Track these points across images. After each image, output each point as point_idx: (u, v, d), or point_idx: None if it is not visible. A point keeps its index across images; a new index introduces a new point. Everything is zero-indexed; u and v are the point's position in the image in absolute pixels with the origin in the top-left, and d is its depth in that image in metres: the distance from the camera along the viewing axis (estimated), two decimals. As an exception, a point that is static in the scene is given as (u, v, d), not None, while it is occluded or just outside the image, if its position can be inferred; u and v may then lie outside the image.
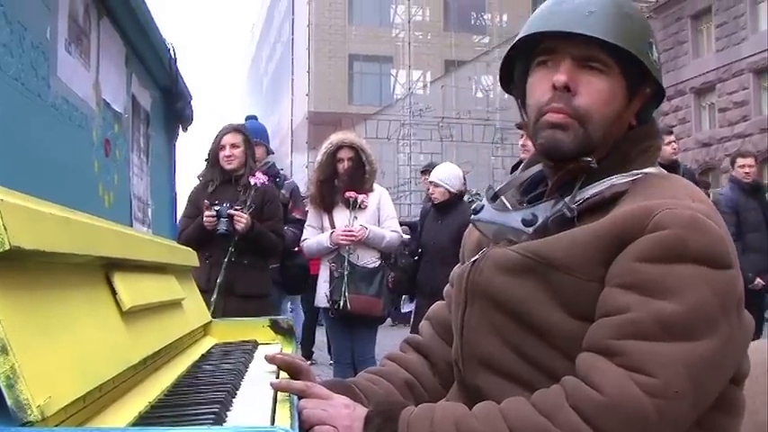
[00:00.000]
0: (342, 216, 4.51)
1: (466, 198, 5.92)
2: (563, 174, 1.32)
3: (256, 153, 4.49)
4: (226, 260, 3.98)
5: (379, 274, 4.49)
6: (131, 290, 1.23)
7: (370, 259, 4.51)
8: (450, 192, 5.21)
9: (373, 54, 27.55)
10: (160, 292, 1.51)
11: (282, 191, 4.84)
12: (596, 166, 1.27)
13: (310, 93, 26.10)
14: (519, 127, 4.62)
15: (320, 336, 8.16)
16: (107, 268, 1.18)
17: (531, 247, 1.24)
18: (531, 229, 1.27)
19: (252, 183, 4.09)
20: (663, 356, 1.08)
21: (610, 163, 1.29)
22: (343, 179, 4.52)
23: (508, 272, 1.26)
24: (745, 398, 1.25)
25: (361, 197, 4.48)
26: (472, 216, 1.40)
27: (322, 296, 4.53)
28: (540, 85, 1.30)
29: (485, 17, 28.12)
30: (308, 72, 26.21)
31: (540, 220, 1.26)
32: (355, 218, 4.47)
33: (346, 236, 4.42)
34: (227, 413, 1.08)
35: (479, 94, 25.82)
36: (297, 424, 1.11)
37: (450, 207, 5.21)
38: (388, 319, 7.88)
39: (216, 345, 1.89)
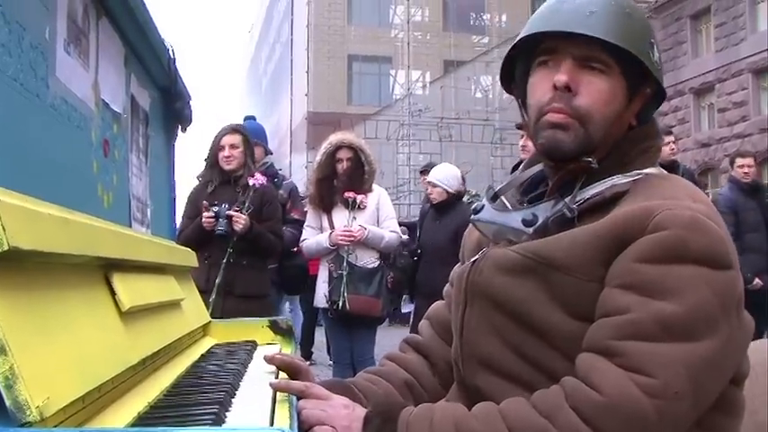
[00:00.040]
0: (341, 216, 4.51)
1: (465, 199, 5.92)
2: (563, 174, 1.32)
3: (255, 153, 4.49)
4: (224, 261, 3.98)
5: (378, 274, 4.49)
6: (130, 290, 1.23)
7: (369, 259, 4.51)
8: (447, 192, 5.22)
9: (372, 54, 27.54)
10: (159, 292, 1.51)
11: (281, 191, 4.84)
12: (597, 166, 1.27)
13: (309, 93, 26.09)
14: (519, 127, 4.62)
15: (319, 336, 8.17)
16: (106, 269, 1.18)
17: (531, 247, 1.24)
18: (531, 230, 1.26)
19: (250, 184, 4.09)
20: (663, 357, 1.08)
21: (610, 163, 1.29)
22: (343, 179, 4.52)
23: (508, 272, 1.26)
24: (745, 398, 1.25)
25: (360, 197, 4.48)
26: (472, 216, 1.40)
27: (321, 296, 4.52)
28: (541, 85, 1.30)
29: (484, 17, 28.12)
30: (308, 72, 26.19)
31: (540, 221, 1.26)
32: (354, 218, 4.47)
33: (345, 236, 4.42)
34: (227, 413, 1.08)
35: (478, 95, 25.83)
36: (296, 424, 1.11)
37: (449, 207, 5.22)
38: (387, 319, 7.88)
39: (215, 345, 1.89)
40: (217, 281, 3.94)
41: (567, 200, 1.25)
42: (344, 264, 4.41)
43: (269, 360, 1.41)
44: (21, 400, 0.73)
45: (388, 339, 5.33)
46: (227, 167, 4.14)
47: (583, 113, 1.26)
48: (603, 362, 1.10)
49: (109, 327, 1.11)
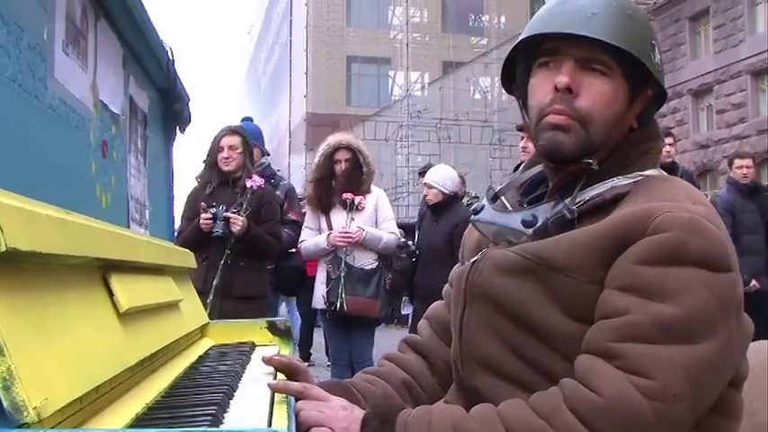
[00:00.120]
0: (339, 217, 4.51)
1: (465, 200, 5.92)
2: (564, 175, 1.32)
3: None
4: (222, 262, 3.98)
5: (376, 275, 4.50)
6: (128, 291, 1.23)
7: (367, 261, 4.51)
8: (443, 193, 5.24)
9: (371, 55, 27.56)
10: (157, 293, 1.50)
11: (277, 192, 4.84)
12: (597, 167, 1.27)
13: (308, 94, 26.08)
14: (520, 129, 4.62)
15: (318, 337, 8.16)
16: (104, 270, 1.18)
17: (531, 248, 1.24)
18: (530, 231, 1.26)
19: (248, 186, 4.09)
20: (661, 359, 1.08)
21: (611, 165, 1.29)
22: (341, 180, 4.52)
23: (508, 273, 1.26)
24: (744, 399, 1.25)
25: (358, 198, 4.48)
26: (472, 216, 1.40)
27: (319, 298, 4.53)
28: (542, 87, 1.30)
29: (483, 18, 28.14)
30: (306, 73, 26.19)
31: (540, 222, 1.26)
32: (352, 219, 4.47)
33: (343, 237, 4.42)
34: (225, 415, 1.08)
35: (477, 96, 25.83)
36: (294, 425, 1.10)
37: (445, 208, 5.24)
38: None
39: (213, 346, 1.89)
40: (214, 282, 3.95)
41: (567, 201, 1.25)
42: (342, 265, 4.41)
43: (267, 361, 1.41)
44: (18, 401, 0.73)
45: (387, 340, 5.33)
46: (225, 169, 4.14)
47: (584, 115, 1.26)
48: (602, 364, 1.10)
49: (107, 328, 1.11)
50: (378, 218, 4.60)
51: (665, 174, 1.33)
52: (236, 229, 3.97)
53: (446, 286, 1.52)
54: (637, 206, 1.18)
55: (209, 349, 1.83)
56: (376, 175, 4.83)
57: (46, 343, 0.85)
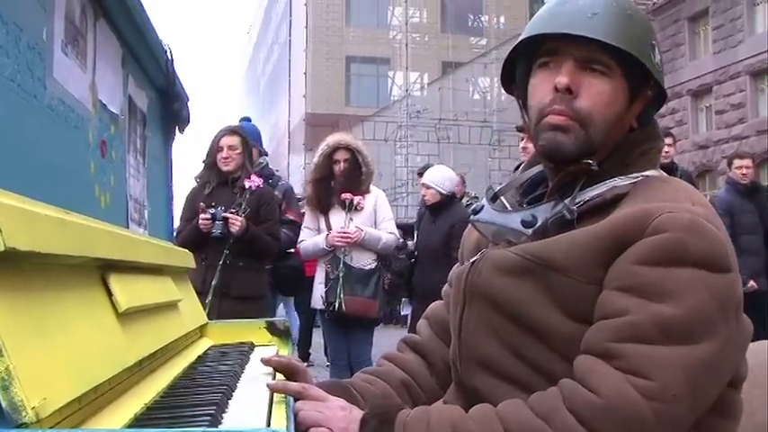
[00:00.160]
0: (338, 218, 4.51)
1: (465, 200, 5.92)
2: (563, 175, 1.32)
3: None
4: (221, 262, 3.98)
5: (374, 275, 4.49)
6: (127, 291, 1.22)
7: (365, 261, 4.51)
8: (441, 193, 5.25)
9: (370, 56, 27.55)
10: (156, 293, 1.50)
11: (275, 192, 4.84)
12: (597, 168, 1.27)
13: (307, 94, 26.08)
14: (520, 129, 4.62)
15: (317, 337, 8.15)
16: (103, 270, 1.18)
17: (531, 248, 1.24)
18: (530, 231, 1.26)
19: (246, 186, 4.09)
20: (661, 359, 1.08)
21: (610, 165, 1.29)
22: (340, 180, 4.52)
23: (507, 273, 1.26)
24: (743, 399, 1.25)
25: (356, 199, 4.48)
26: (471, 216, 1.40)
27: (318, 298, 4.53)
28: (542, 87, 1.30)
29: (482, 19, 28.13)
30: (306, 74, 26.19)
31: (539, 222, 1.26)
32: (351, 219, 4.47)
33: (341, 237, 4.42)
34: (223, 415, 1.08)
35: (477, 96, 25.82)
36: (293, 426, 1.10)
37: (442, 209, 5.25)
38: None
39: (212, 346, 1.89)
40: (213, 282, 3.95)
41: (566, 201, 1.24)
42: (341, 265, 4.41)
43: (266, 363, 1.41)
44: (17, 401, 0.73)
45: (386, 340, 5.33)
46: (225, 169, 4.14)
47: (584, 115, 1.26)
48: (601, 364, 1.10)
49: (106, 328, 1.11)
50: (377, 218, 4.60)
51: (665, 174, 1.33)
52: (234, 229, 3.98)
53: (445, 286, 1.52)
54: (636, 206, 1.18)
55: (208, 349, 1.83)
56: (375, 176, 4.83)
57: (44, 343, 0.85)
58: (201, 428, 0.97)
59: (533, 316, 1.21)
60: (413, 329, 1.63)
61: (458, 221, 4.93)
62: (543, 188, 1.39)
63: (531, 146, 1.74)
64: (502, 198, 1.40)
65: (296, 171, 23.67)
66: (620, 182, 1.26)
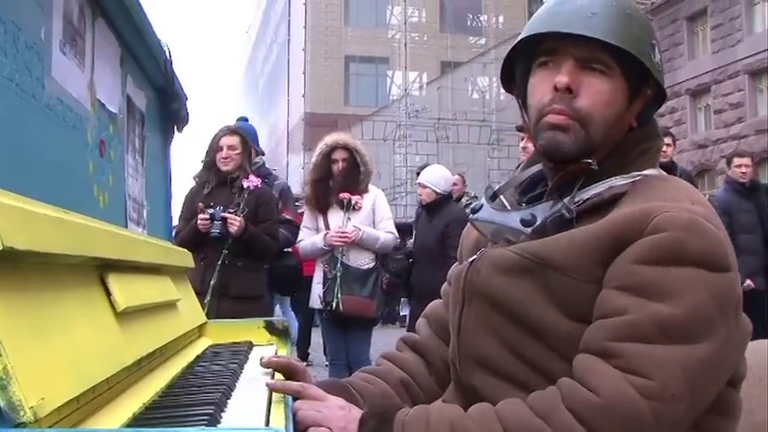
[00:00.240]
0: (336, 217, 4.51)
1: (464, 200, 5.93)
2: (563, 174, 1.32)
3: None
4: (219, 262, 3.99)
5: (372, 275, 4.50)
6: (126, 291, 1.22)
7: (363, 261, 4.51)
8: (436, 193, 5.26)
9: (369, 55, 27.55)
10: (155, 293, 1.50)
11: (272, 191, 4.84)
12: (597, 167, 1.27)
13: (306, 94, 26.08)
14: (519, 129, 4.62)
15: (316, 337, 8.15)
16: (101, 269, 1.18)
17: (530, 247, 1.24)
18: (529, 230, 1.26)
19: (244, 186, 4.09)
20: (660, 359, 1.08)
21: (610, 164, 1.29)
22: (338, 180, 4.52)
23: (506, 272, 1.26)
24: (742, 399, 1.25)
25: (354, 198, 4.48)
26: (470, 215, 1.40)
27: (316, 297, 4.53)
28: (542, 86, 1.30)
29: (481, 18, 28.12)
30: (304, 73, 26.19)
31: (538, 221, 1.26)
32: (349, 219, 4.47)
33: (339, 237, 4.42)
34: (222, 414, 1.08)
35: (475, 96, 25.84)
36: (291, 425, 1.10)
37: (438, 208, 5.26)
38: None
39: (211, 346, 1.89)
40: (212, 282, 3.95)
41: (565, 200, 1.24)
42: (339, 265, 4.41)
43: (265, 364, 1.40)
44: (15, 401, 0.73)
45: (384, 340, 5.33)
46: (224, 169, 4.14)
47: (583, 115, 1.26)
48: (600, 363, 1.10)
49: (104, 327, 1.11)
50: (375, 217, 4.60)
51: (664, 173, 1.33)
52: (233, 229, 3.98)
53: (444, 285, 1.52)
54: (635, 206, 1.18)
55: (207, 349, 1.83)
56: (374, 175, 4.83)
57: (43, 342, 0.85)
58: (200, 428, 0.97)
59: (532, 315, 1.21)
60: (411, 329, 1.63)
61: (453, 221, 4.94)
62: (542, 187, 1.39)
63: (531, 145, 1.74)
64: (501, 197, 1.40)
65: (295, 171, 23.68)
66: (619, 181, 1.26)
